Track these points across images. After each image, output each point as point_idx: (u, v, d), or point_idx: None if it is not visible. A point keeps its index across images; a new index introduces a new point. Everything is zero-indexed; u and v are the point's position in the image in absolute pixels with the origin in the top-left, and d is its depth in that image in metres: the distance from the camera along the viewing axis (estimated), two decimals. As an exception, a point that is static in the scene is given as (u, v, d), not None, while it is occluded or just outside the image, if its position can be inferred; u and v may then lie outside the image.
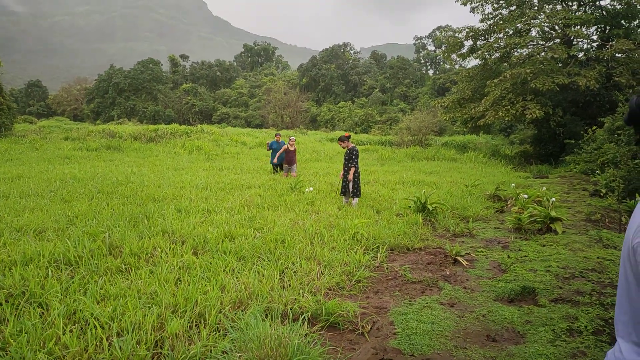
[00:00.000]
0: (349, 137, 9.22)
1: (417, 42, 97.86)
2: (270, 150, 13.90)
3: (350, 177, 8.85)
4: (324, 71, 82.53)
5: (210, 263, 4.80)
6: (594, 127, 17.93)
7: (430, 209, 7.96)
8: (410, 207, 8.35)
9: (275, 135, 14.35)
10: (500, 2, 24.82)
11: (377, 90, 78.16)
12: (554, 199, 7.21)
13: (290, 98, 64.99)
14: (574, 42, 23.08)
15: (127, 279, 4.27)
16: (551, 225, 6.98)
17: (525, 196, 8.37)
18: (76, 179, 10.66)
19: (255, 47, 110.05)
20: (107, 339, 3.21)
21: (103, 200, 8.20)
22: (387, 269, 5.41)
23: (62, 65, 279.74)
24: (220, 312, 3.73)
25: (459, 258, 5.68)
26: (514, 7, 24.31)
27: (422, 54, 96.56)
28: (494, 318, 3.96)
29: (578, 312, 3.93)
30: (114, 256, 4.93)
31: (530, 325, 3.77)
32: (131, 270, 4.55)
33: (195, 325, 3.53)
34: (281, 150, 13.44)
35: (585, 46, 24.40)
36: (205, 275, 4.45)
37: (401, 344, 3.52)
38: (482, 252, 6.17)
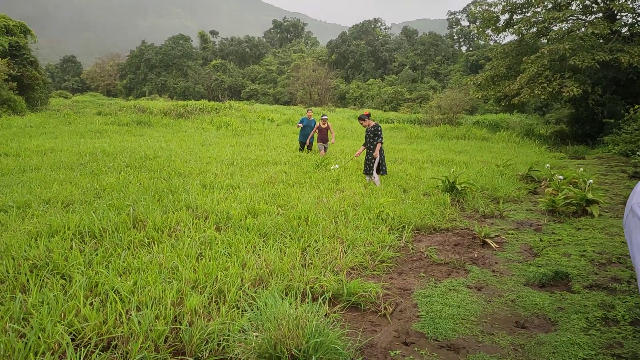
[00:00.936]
0: (369, 115, 9.01)
1: (450, 17, 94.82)
2: (300, 127, 13.41)
3: (377, 153, 8.66)
4: (353, 47, 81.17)
5: (232, 239, 4.75)
6: (635, 106, 17.05)
7: (459, 188, 7.71)
8: (438, 186, 8.12)
9: (307, 111, 13.83)
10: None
11: (407, 67, 76.49)
12: (591, 180, 6.85)
13: (319, 75, 64.44)
14: (617, 17, 21.79)
15: (149, 253, 4.27)
16: (587, 208, 6.66)
17: (561, 177, 8.00)
18: (106, 153, 10.82)
19: (285, 23, 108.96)
20: (126, 313, 3.20)
21: (131, 174, 8.27)
22: (412, 249, 5.26)
23: (95, 40, 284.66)
24: (240, 288, 3.68)
25: (487, 240, 5.47)
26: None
27: (455, 30, 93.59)
28: (523, 304, 3.79)
29: (614, 300, 3.71)
30: (138, 229, 4.95)
31: (562, 313, 3.58)
32: (154, 244, 4.55)
33: (215, 302, 3.49)
34: (313, 131, 13.02)
35: (629, 20, 23.02)
36: (226, 252, 4.40)
37: (425, 327, 3.40)
38: (512, 234, 5.93)
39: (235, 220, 5.40)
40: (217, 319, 3.18)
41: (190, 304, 3.28)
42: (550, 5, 22.02)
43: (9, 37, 29.73)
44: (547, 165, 9.93)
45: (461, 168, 10.57)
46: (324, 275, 4.07)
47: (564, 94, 19.01)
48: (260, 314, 3.06)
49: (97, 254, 4.20)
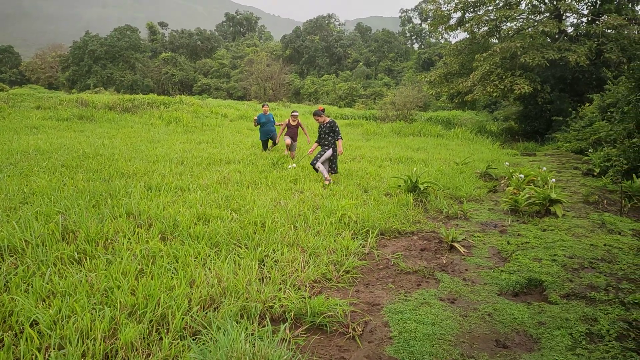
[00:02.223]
0: (323, 110, 8.70)
1: (402, 15, 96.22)
2: (259, 126, 12.11)
3: (341, 150, 8.49)
4: (307, 43, 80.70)
5: (180, 251, 4.21)
6: (585, 104, 17.62)
7: (422, 188, 7.46)
8: (400, 186, 7.85)
9: (263, 106, 12.36)
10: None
11: (361, 63, 76.92)
12: (554, 179, 6.77)
13: (273, 70, 63.50)
14: (564, 17, 22.54)
15: (79, 271, 3.66)
16: (550, 207, 6.56)
17: (522, 176, 7.93)
18: (40, 151, 9.84)
19: (238, 17, 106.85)
20: (45, 352, 2.63)
21: (66, 175, 7.46)
22: (377, 256, 4.90)
23: (36, 30, 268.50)
24: (187, 313, 3.17)
25: (455, 244, 5.20)
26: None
27: (407, 27, 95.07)
28: (501, 318, 3.50)
29: (596, 312, 3.49)
30: (68, 242, 4.30)
31: (544, 328, 3.31)
32: (86, 259, 3.94)
33: (156, 331, 2.97)
34: (282, 128, 11.69)
35: (575, 21, 23.90)
36: (172, 267, 3.86)
37: (399, 351, 3.02)
38: (479, 237, 5.70)
39: (184, 228, 4.84)
40: (159, 354, 2.67)
41: (126, 336, 2.75)
42: (501, 4, 22.44)
43: None
44: (507, 163, 9.91)
45: (421, 166, 10.39)
46: (284, 292, 3.62)
47: (515, 91, 19.42)
48: (210, 352, 2.57)
49: (16, 274, 3.56)
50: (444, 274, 4.43)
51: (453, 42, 28.12)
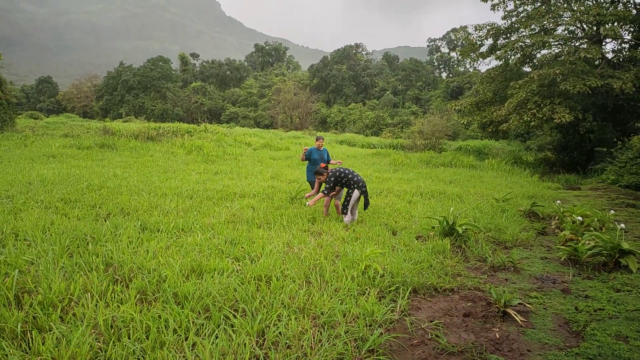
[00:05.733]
0: (326, 167, 7.61)
1: (430, 44, 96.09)
2: (307, 162, 9.14)
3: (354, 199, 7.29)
4: (335, 72, 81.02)
5: (157, 322, 3.29)
6: (631, 135, 16.27)
7: (460, 231, 6.38)
8: (434, 227, 6.80)
9: (317, 140, 9.00)
10: (524, -2, 23.16)
11: (388, 92, 76.50)
12: (622, 225, 5.60)
13: (300, 99, 63.59)
14: (604, 42, 21.31)
15: (15, 356, 2.77)
16: (620, 259, 5.39)
17: (580, 218, 6.77)
18: (45, 182, 9.23)
19: (267, 47, 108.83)
20: None
21: (60, 211, 6.74)
22: (411, 325, 3.87)
23: (75, 62, 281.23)
24: None
25: (509, 310, 4.11)
26: (539, 3, 22.65)
27: (435, 56, 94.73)
28: None
29: None
30: (20, 306, 3.44)
31: None
32: (31, 335, 3.04)
33: None
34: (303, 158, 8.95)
35: (616, 47, 22.61)
36: (140, 348, 2.94)
37: None
38: (536, 298, 4.59)
39: (170, 285, 3.93)
40: None
41: None
42: (537, 30, 21.43)
43: (-30, 55, 27.97)
44: (558, 201, 8.71)
45: (456, 203, 9.30)
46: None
47: (555, 120, 18.15)
48: None
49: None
50: (499, 358, 3.35)
51: (484, 70, 27.15)
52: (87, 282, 3.86)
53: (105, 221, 6.12)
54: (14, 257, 4.32)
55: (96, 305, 3.48)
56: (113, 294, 3.71)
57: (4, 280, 3.72)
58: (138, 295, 3.77)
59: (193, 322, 3.38)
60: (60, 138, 22.70)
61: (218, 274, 4.36)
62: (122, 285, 3.93)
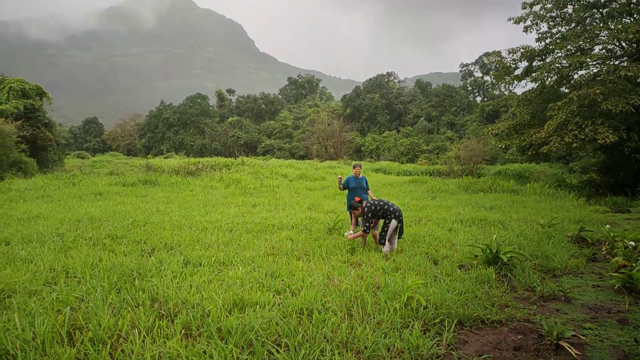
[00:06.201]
0: (360, 201, 7.68)
1: (463, 69, 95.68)
2: (346, 191, 8.98)
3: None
4: (367, 101, 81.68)
5: (205, 352, 3.33)
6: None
7: (505, 259, 6.18)
8: (476, 256, 6.62)
9: (354, 167, 8.80)
10: (557, 19, 22.88)
11: (422, 118, 76.25)
12: (681, 250, 5.29)
13: (334, 128, 64.24)
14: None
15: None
16: (681, 287, 5.06)
17: (632, 243, 6.44)
18: (92, 220, 9.63)
19: (299, 80, 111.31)
20: None
21: (107, 247, 6.99)
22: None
23: (119, 102, 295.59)
24: None
25: (562, 343, 3.92)
26: (574, 23, 22.31)
27: (468, 81, 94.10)
28: None
29: None
30: (72, 343, 3.56)
31: None
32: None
33: None
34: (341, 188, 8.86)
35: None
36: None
37: None
38: (591, 329, 4.36)
39: (213, 319, 3.98)
40: None
41: None
42: (573, 50, 21.03)
43: (25, 100, 29.93)
44: (608, 226, 8.33)
45: (498, 229, 9.05)
46: None
47: (598, 141, 17.55)
48: None
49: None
50: (555, 395, 3.18)
51: (520, 93, 26.71)
52: (135, 317, 3.96)
53: (150, 256, 6.31)
54: (66, 294, 4.50)
55: (143, 341, 3.55)
56: (159, 330, 3.79)
57: (57, 317, 3.87)
58: (183, 331, 3.83)
59: (237, 358, 3.39)
60: (106, 176, 23.69)
61: (260, 307, 4.38)
62: (168, 321, 4.01)
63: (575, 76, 22.49)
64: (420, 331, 4.10)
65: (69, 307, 3.94)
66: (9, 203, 13.38)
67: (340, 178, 8.94)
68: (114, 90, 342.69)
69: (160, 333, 3.73)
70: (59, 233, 8.20)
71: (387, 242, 7.18)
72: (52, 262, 5.98)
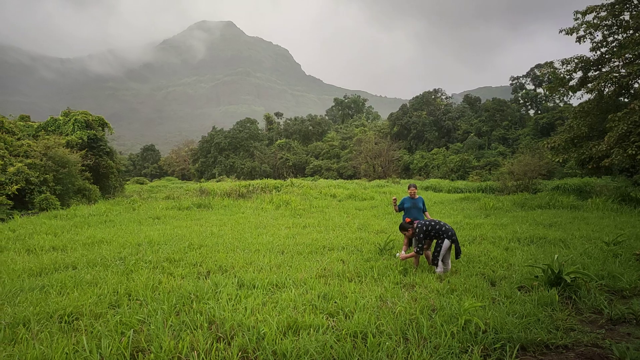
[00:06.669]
0: (410, 222, 7.60)
1: (513, 82, 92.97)
2: (402, 212, 8.80)
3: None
4: (414, 119, 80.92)
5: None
6: None
7: (568, 280, 5.87)
8: (537, 277, 6.33)
9: (409, 188, 8.73)
10: (614, 27, 21.88)
11: (472, 134, 74.46)
12: None
13: (382, 147, 64.03)
14: None
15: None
16: None
17: None
18: (152, 243, 10.05)
19: (346, 100, 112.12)
20: None
21: (166, 270, 7.26)
22: (521, 387, 3.57)
23: (174, 129, 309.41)
24: None
25: (637, 371, 3.66)
26: (632, 30, 21.25)
27: (520, 94, 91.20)
28: None
29: None
30: (136, 364, 3.71)
31: None
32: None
33: None
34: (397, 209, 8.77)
35: None
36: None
37: None
38: (669, 356, 4.04)
39: (268, 342, 4.03)
40: None
41: None
42: (632, 58, 20.00)
43: (88, 131, 31.96)
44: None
45: (559, 248, 8.63)
46: None
47: (665, 152, 16.46)
48: None
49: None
50: None
51: (576, 104, 25.61)
52: (194, 340, 4.08)
53: (206, 279, 6.49)
54: (128, 317, 4.71)
55: (203, 362, 3.65)
56: (217, 352, 3.88)
57: (120, 339, 4.05)
58: (240, 353, 3.91)
59: (293, 381, 3.41)
60: (163, 200, 24.70)
61: (314, 330, 4.39)
62: (225, 343, 4.10)
63: (636, 85, 21.33)
64: (480, 356, 3.97)
65: (132, 330, 4.12)
66: (75, 229, 14.19)
67: (395, 199, 8.90)
68: (169, 118, 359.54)
69: (219, 355, 3.82)
70: (121, 257, 8.61)
71: (440, 263, 7.03)
72: (116, 285, 6.28)
